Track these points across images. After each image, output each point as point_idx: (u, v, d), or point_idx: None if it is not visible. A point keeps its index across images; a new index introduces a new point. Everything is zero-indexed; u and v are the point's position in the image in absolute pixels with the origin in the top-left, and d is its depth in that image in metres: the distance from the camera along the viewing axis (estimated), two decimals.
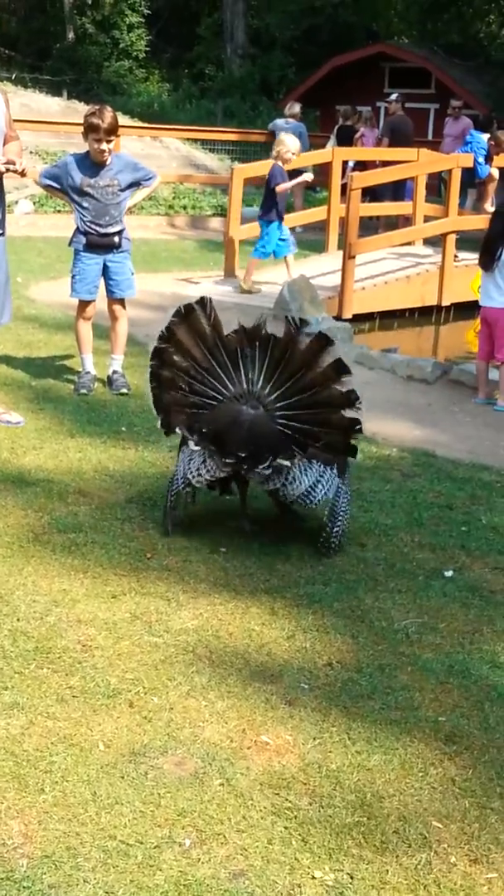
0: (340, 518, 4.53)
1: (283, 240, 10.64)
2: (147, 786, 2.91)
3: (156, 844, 2.69)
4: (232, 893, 2.53)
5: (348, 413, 4.43)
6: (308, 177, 11.10)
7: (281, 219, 10.58)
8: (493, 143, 12.50)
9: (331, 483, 4.47)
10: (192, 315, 4.57)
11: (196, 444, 4.43)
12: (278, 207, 10.48)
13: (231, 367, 4.55)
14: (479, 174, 12.22)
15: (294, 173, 11.11)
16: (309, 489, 4.40)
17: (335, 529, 4.50)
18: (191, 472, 4.49)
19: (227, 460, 4.37)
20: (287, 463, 4.32)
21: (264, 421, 4.45)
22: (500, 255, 7.30)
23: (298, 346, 4.41)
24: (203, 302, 4.58)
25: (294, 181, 10.85)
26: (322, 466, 4.45)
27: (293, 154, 10.60)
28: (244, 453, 4.34)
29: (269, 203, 10.56)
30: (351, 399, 4.41)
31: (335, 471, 4.50)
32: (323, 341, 4.40)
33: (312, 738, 3.18)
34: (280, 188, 10.36)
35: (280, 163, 10.55)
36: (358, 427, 4.47)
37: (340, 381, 4.39)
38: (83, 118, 6.59)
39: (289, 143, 10.61)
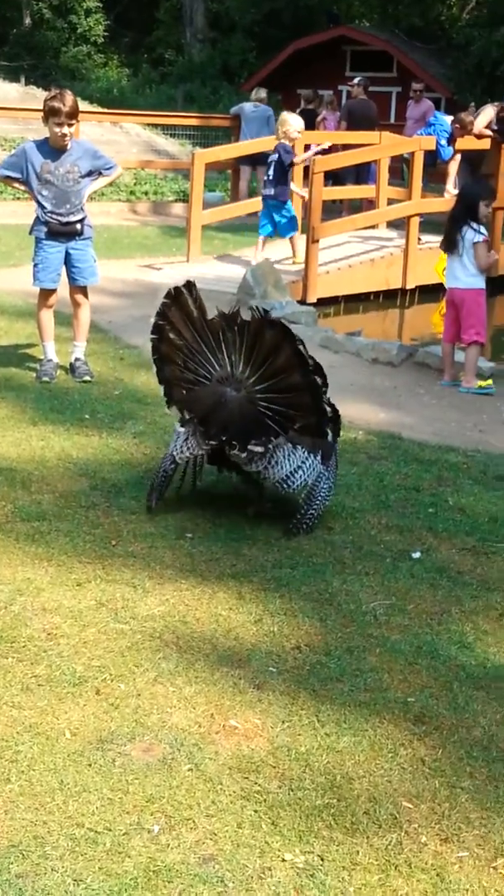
0: (317, 502, 4.59)
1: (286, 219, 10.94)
2: (115, 773, 2.88)
3: (124, 831, 2.66)
4: (202, 878, 2.51)
5: (317, 398, 4.53)
6: (326, 144, 11.59)
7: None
8: (457, 125, 12.49)
9: (312, 469, 4.57)
10: (180, 297, 4.67)
11: (182, 425, 4.62)
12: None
13: (216, 350, 4.65)
14: (443, 157, 12.22)
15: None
16: (290, 474, 4.52)
17: (310, 512, 4.56)
18: (176, 450, 4.64)
19: (211, 441, 4.49)
20: (259, 449, 4.40)
21: (245, 404, 4.55)
22: (465, 235, 7.29)
23: (265, 333, 4.46)
24: (189, 285, 4.69)
25: (311, 152, 11.18)
26: (306, 452, 4.56)
27: (298, 132, 10.90)
28: (225, 435, 4.43)
29: (283, 181, 10.81)
30: (314, 385, 4.49)
31: (318, 457, 4.60)
32: (284, 331, 4.46)
33: (281, 722, 3.17)
34: (298, 160, 10.73)
35: (287, 141, 10.75)
36: (330, 412, 4.59)
37: (303, 368, 4.46)
38: (43, 102, 6.52)
39: (293, 122, 10.92)
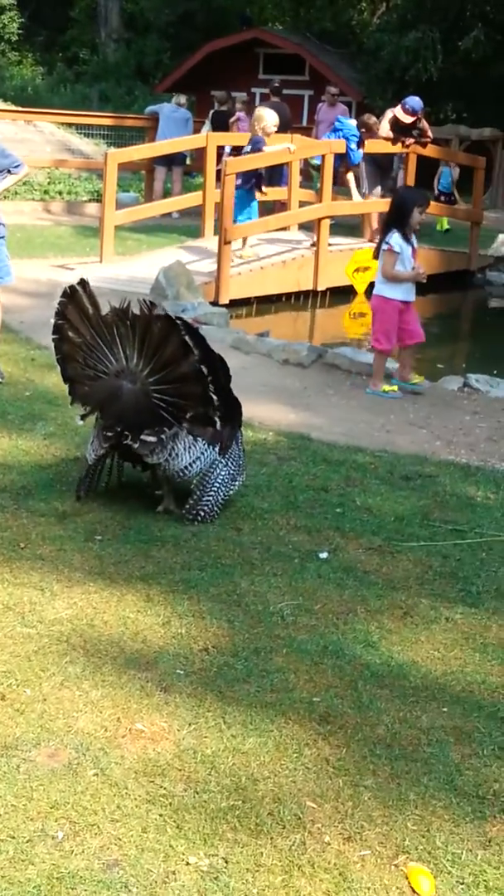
0: (212, 490, 4.70)
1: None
2: (19, 779, 2.86)
3: (28, 838, 2.64)
4: (105, 884, 2.51)
5: (205, 387, 4.61)
6: (291, 147, 11.81)
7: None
8: (363, 129, 12.59)
9: (207, 459, 4.69)
10: (76, 295, 4.73)
11: (82, 419, 4.86)
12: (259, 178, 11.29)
13: (112, 345, 4.71)
14: (353, 160, 12.30)
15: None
16: (188, 464, 4.65)
17: (205, 499, 4.68)
18: (90, 451, 4.78)
19: (107, 433, 4.62)
20: (152, 439, 4.56)
21: (139, 395, 4.62)
22: (387, 241, 7.24)
23: (153, 326, 4.55)
24: (83, 282, 4.75)
25: (280, 146, 11.61)
26: (205, 444, 4.69)
27: (274, 126, 11.38)
28: (119, 426, 4.56)
29: (249, 174, 11.16)
30: (200, 374, 4.57)
31: (216, 449, 4.72)
32: (171, 322, 4.54)
33: (188, 724, 3.17)
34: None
35: (262, 134, 11.25)
36: (220, 402, 4.66)
37: (190, 358, 4.54)
38: None
39: (268, 117, 11.36)
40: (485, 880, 2.63)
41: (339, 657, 3.62)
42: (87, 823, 2.71)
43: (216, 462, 4.73)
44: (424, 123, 13.02)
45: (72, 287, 4.74)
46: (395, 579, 4.29)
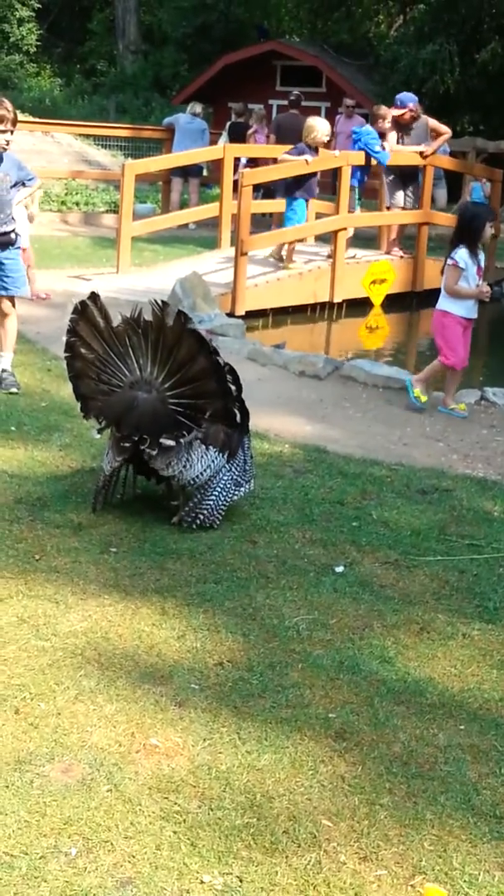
0: (213, 494, 4.71)
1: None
2: (33, 794, 2.84)
3: (41, 855, 2.62)
4: None
5: (222, 380, 4.66)
6: (308, 158, 11.69)
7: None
8: (380, 120, 12.42)
9: (217, 466, 4.73)
10: (86, 310, 4.73)
11: (98, 432, 4.83)
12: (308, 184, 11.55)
13: (124, 356, 4.72)
14: (382, 161, 12.14)
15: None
16: (200, 473, 4.69)
17: (204, 502, 4.71)
18: (106, 462, 4.79)
19: (124, 444, 4.61)
20: (171, 442, 4.56)
21: (154, 403, 4.63)
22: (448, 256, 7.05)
23: (166, 327, 4.56)
24: (94, 297, 4.75)
25: (304, 156, 11.56)
26: (216, 452, 4.72)
27: (326, 136, 11.65)
28: (136, 436, 4.55)
29: (302, 180, 11.42)
30: (217, 366, 4.61)
31: (225, 456, 4.76)
32: (183, 319, 4.55)
33: (202, 740, 3.15)
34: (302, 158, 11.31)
35: (312, 145, 11.51)
36: (233, 393, 4.74)
37: (204, 353, 4.57)
38: None
39: (320, 127, 11.56)
40: None
41: (356, 673, 3.60)
42: (100, 840, 2.69)
43: (222, 468, 4.75)
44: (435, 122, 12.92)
45: (82, 302, 4.75)
46: (412, 594, 4.26)
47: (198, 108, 16.61)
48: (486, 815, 2.90)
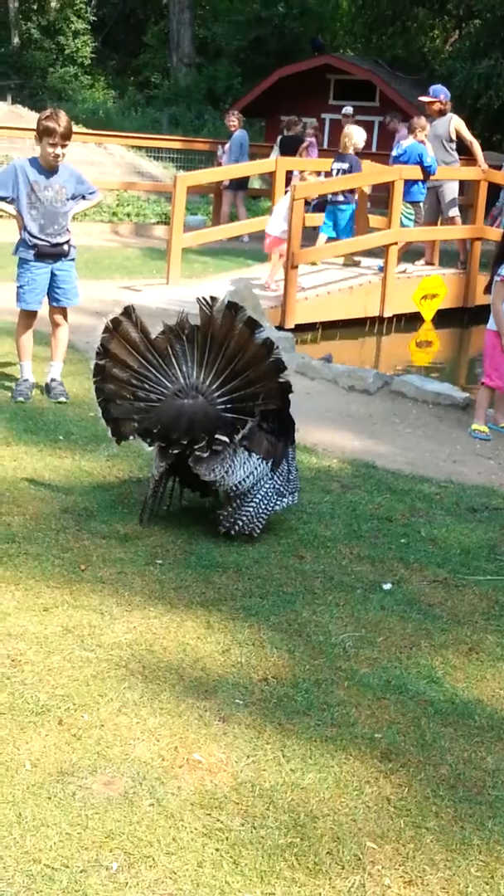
0: (253, 502, 4.65)
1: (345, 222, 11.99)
2: (75, 807, 2.82)
3: (82, 868, 2.60)
4: None
5: (276, 363, 4.57)
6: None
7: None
8: (417, 127, 12.38)
9: (260, 473, 4.66)
10: (120, 327, 4.66)
11: (149, 445, 4.61)
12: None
13: (166, 367, 4.67)
14: (431, 170, 12.06)
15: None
16: (242, 479, 4.61)
17: (243, 509, 4.65)
18: (154, 468, 4.72)
19: (173, 450, 4.52)
20: (225, 438, 4.47)
21: (202, 407, 4.59)
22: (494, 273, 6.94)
23: (215, 322, 4.51)
24: (128, 311, 4.68)
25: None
26: (259, 459, 4.65)
27: (362, 142, 12.23)
28: (185, 440, 4.47)
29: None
30: (269, 346, 4.54)
31: (269, 464, 4.69)
32: (234, 311, 4.49)
33: (246, 756, 3.11)
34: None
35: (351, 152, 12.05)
36: (288, 387, 4.67)
37: (256, 336, 4.50)
38: (37, 122, 6.49)
39: (357, 134, 12.06)
40: None
41: (402, 692, 3.54)
42: (142, 855, 2.66)
43: (264, 476, 4.68)
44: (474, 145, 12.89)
45: (115, 320, 4.64)
46: (461, 613, 4.20)
47: (233, 119, 16.42)
48: None
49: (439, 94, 12.74)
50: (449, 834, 2.85)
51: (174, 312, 4.77)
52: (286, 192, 11.62)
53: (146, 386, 4.67)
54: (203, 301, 4.54)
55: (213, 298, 4.55)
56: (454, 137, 12.77)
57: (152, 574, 4.31)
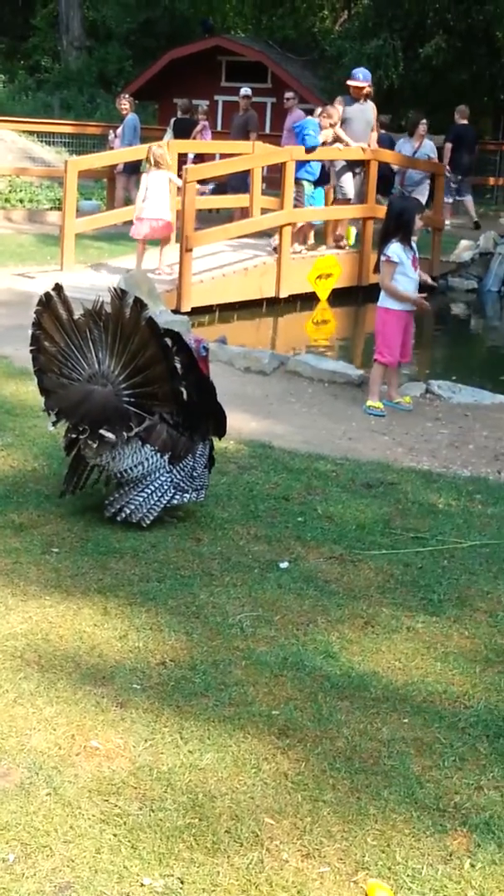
0: (144, 492, 4.67)
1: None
2: None
3: None
4: None
5: (169, 366, 4.65)
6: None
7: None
8: (324, 115, 12.39)
9: (152, 465, 4.68)
10: (51, 302, 4.70)
11: (52, 426, 4.71)
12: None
13: (85, 350, 4.71)
14: (308, 145, 12.03)
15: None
16: (129, 468, 4.64)
17: (132, 495, 4.66)
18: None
19: (70, 435, 4.62)
20: (111, 435, 4.51)
21: (106, 396, 4.62)
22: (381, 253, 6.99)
23: (123, 317, 4.55)
24: (58, 288, 4.73)
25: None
26: (152, 450, 4.67)
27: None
28: (82, 427, 4.51)
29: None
30: (167, 353, 4.61)
31: (164, 458, 4.70)
32: (139, 307, 4.55)
33: (144, 741, 3.11)
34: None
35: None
36: (178, 370, 4.72)
37: (156, 340, 4.58)
38: None
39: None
40: (445, 895, 2.58)
41: (299, 669, 3.57)
42: (39, 845, 2.65)
43: (160, 469, 4.69)
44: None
45: (47, 294, 4.71)
46: (356, 588, 4.25)
47: (124, 103, 16.21)
48: (429, 809, 2.89)
49: (369, 77, 12.75)
50: (345, 805, 2.89)
51: (70, 299, 4.74)
52: (179, 174, 11.53)
53: (69, 364, 4.72)
54: (115, 291, 4.57)
55: (123, 291, 4.59)
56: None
57: (48, 563, 4.28)
